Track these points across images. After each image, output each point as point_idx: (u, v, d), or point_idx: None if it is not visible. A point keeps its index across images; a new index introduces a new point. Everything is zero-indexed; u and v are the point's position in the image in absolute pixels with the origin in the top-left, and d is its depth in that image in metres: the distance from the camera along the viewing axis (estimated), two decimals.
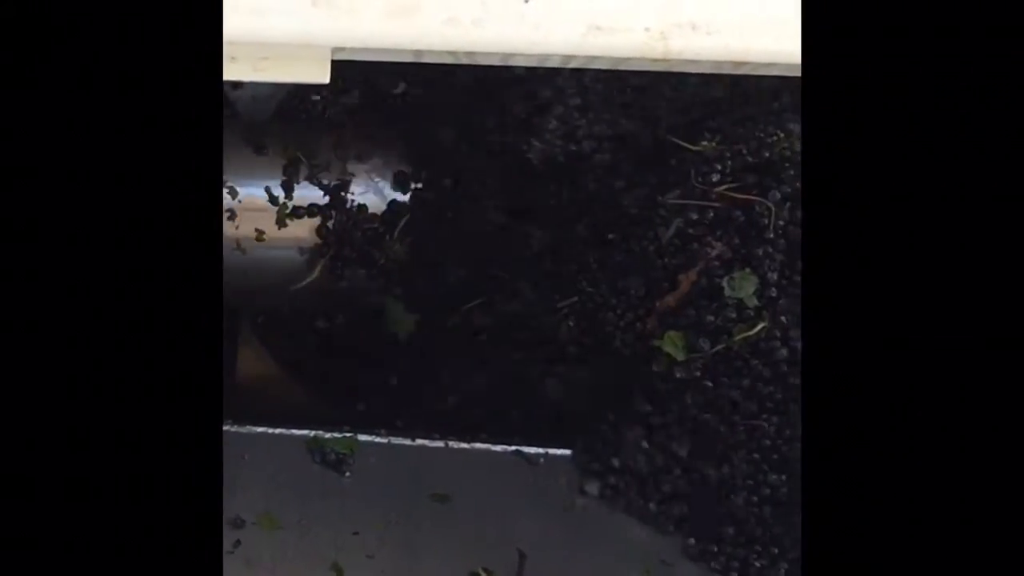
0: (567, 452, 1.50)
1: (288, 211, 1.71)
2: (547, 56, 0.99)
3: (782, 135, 1.33)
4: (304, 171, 1.72)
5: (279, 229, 1.71)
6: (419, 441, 1.49)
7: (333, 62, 0.98)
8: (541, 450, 1.50)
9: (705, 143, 1.35)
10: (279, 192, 1.71)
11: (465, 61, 1.00)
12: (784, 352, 1.33)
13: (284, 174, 1.71)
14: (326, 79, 0.98)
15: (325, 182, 1.72)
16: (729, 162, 1.35)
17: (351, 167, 1.73)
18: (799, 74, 0.93)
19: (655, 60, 0.98)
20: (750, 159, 1.34)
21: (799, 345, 1.32)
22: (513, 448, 1.50)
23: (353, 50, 0.97)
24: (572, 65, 1.02)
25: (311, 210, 1.71)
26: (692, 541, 1.41)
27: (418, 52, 0.98)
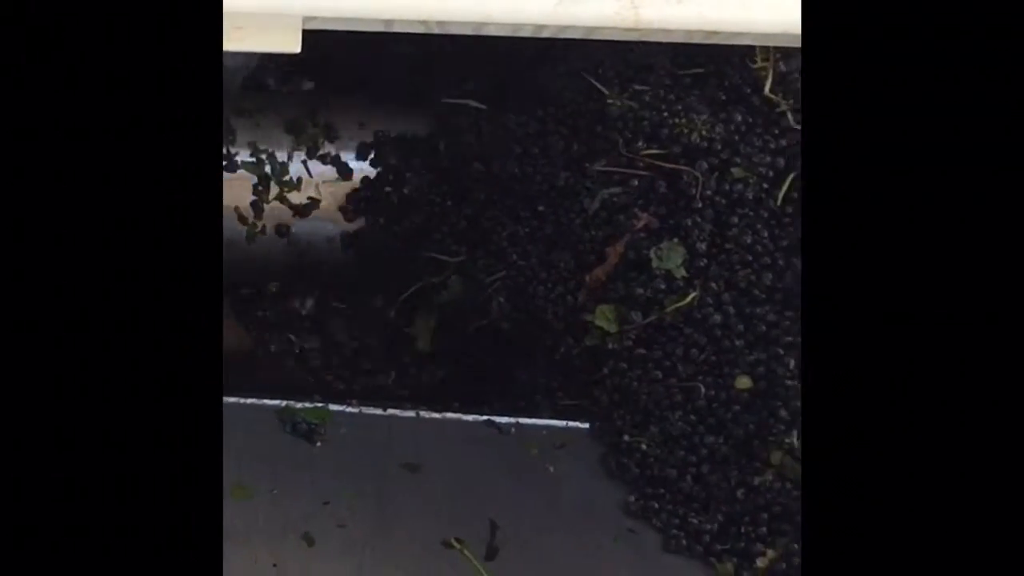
0: (538, 421, 1.49)
1: (257, 230, 1.78)
2: (520, 26, 0.99)
3: (685, 120, 1.33)
4: (274, 189, 1.77)
5: (248, 245, 1.78)
6: (390, 411, 1.48)
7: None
8: (512, 419, 1.49)
9: (615, 95, 1.35)
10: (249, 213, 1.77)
11: (436, 31, 1.00)
12: (718, 317, 1.35)
13: (253, 193, 1.77)
14: (297, 48, 0.99)
15: (295, 202, 1.77)
16: (631, 122, 1.35)
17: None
18: (772, 43, 0.93)
19: (627, 30, 0.97)
20: (646, 125, 1.35)
21: (732, 310, 1.35)
22: (484, 418, 1.49)
23: (324, 19, 0.98)
24: (544, 35, 1.01)
25: (280, 230, 1.79)
26: (632, 498, 1.42)
27: (389, 22, 0.98)
